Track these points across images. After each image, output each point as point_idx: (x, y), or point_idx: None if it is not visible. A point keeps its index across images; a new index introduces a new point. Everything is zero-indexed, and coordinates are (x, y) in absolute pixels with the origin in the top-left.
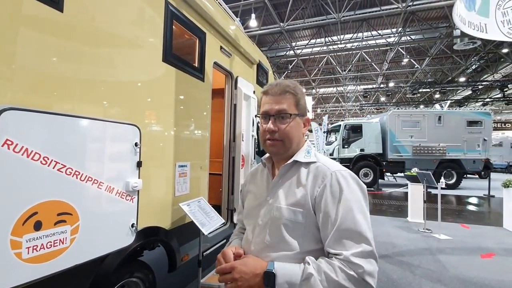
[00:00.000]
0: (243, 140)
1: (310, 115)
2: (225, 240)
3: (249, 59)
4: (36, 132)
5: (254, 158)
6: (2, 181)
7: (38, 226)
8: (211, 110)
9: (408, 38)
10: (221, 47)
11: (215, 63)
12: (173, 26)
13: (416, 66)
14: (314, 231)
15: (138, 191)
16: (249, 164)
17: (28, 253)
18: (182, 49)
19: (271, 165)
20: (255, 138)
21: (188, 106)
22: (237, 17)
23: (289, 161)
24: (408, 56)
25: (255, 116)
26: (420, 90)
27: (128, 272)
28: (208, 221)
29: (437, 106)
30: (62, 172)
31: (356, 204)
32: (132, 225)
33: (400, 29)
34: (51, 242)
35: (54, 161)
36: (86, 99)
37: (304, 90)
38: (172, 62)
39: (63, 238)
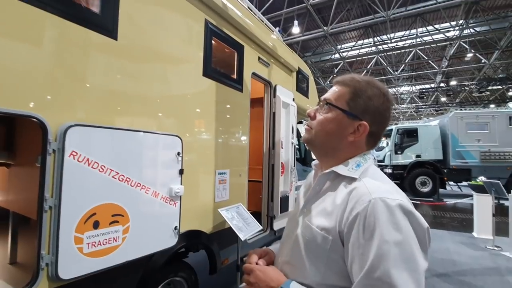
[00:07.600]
0: (282, 148)
1: None
2: (265, 247)
3: (288, 67)
4: (95, 144)
5: (294, 165)
6: (69, 186)
7: (96, 225)
8: (251, 119)
9: (472, 30)
10: (259, 58)
11: (253, 73)
12: (213, 42)
13: (483, 61)
14: (340, 265)
15: (180, 196)
16: (288, 172)
17: (88, 248)
18: (221, 63)
19: (320, 172)
20: (295, 145)
21: (227, 116)
22: (280, 26)
23: (326, 170)
24: (472, 51)
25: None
26: (490, 88)
27: (173, 271)
28: (246, 227)
29: (510, 105)
30: (116, 178)
31: (399, 250)
32: (175, 228)
33: (461, 21)
34: (106, 239)
35: (110, 169)
36: (133, 113)
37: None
38: (211, 76)
39: (117, 237)
